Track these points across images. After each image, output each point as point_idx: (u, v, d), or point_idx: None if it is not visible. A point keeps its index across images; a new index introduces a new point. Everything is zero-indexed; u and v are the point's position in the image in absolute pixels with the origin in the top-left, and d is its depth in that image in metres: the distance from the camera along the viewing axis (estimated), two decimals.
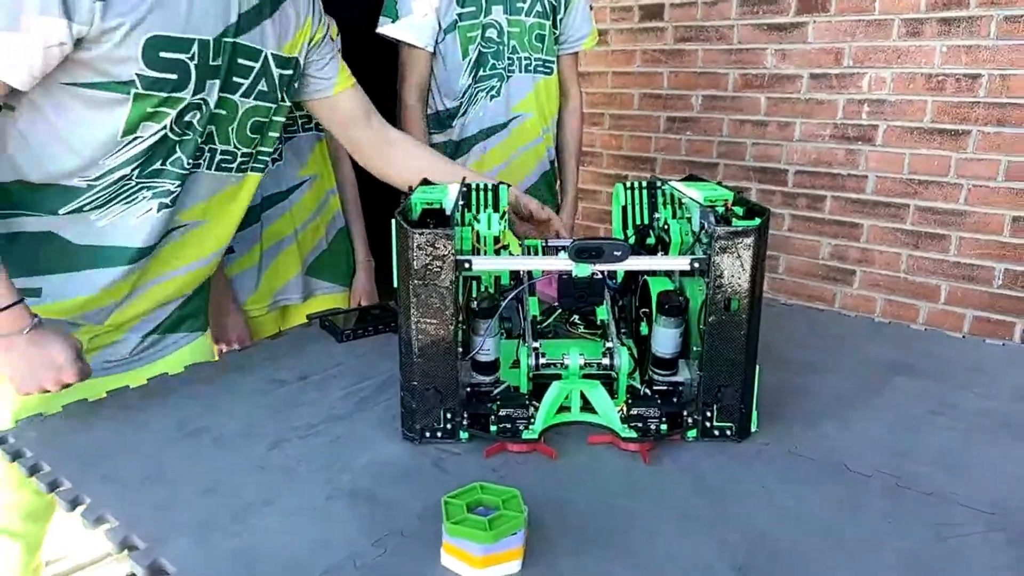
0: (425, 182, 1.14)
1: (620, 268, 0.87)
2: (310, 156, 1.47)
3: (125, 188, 1.03)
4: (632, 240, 1.15)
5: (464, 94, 1.68)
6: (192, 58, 0.99)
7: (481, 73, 1.67)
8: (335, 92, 1.26)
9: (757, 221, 0.86)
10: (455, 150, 1.72)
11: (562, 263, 0.87)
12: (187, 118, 1.03)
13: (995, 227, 2.11)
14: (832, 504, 0.80)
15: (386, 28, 1.63)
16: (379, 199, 1.77)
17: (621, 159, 2.94)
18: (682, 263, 0.88)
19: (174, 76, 0.97)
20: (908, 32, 2.16)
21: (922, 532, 0.75)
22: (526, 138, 1.77)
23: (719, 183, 1.10)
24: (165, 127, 1.00)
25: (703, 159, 2.68)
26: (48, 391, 0.98)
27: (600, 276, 0.87)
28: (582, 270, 0.87)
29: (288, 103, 1.20)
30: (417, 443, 0.91)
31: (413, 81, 1.64)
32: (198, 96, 1.02)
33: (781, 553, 0.71)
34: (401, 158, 1.30)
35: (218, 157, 1.12)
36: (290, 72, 1.17)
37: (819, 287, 2.48)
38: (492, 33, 1.65)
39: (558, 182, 1.93)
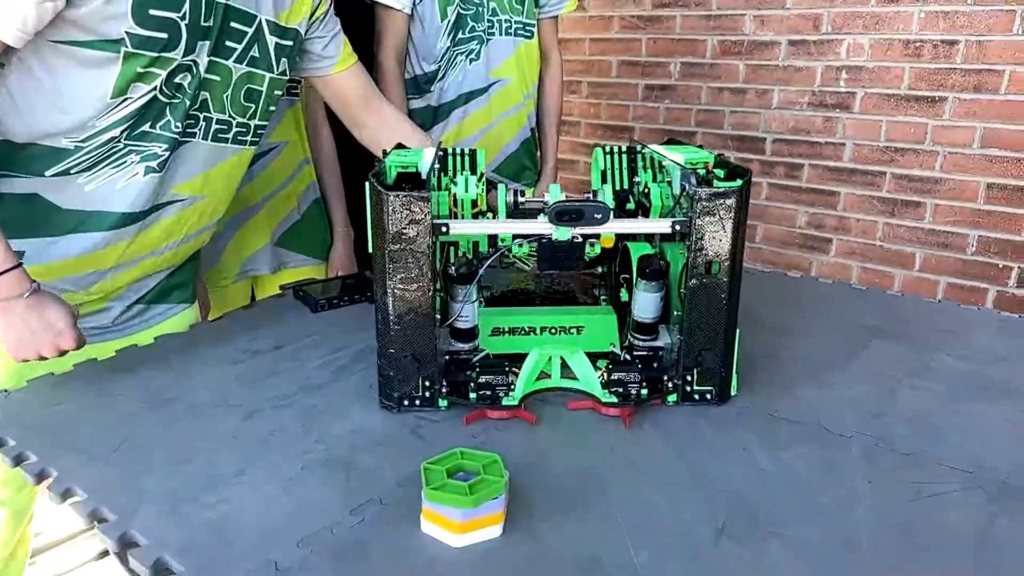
0: (400, 146, 1.11)
1: (601, 231, 0.85)
2: (279, 122, 1.42)
3: (113, 151, 1.01)
4: (612, 206, 1.13)
5: (442, 57, 1.64)
6: (183, 17, 0.96)
7: (460, 36, 1.63)
8: (335, 71, 1.26)
9: (738, 182, 0.85)
10: (434, 115, 1.69)
11: (541, 226, 0.85)
12: (177, 79, 1.01)
13: (970, 194, 2.12)
14: (812, 465, 0.80)
15: None
16: (360, 166, 1.73)
17: (599, 128, 2.91)
18: (663, 226, 0.87)
19: (164, 35, 0.95)
20: None
21: (900, 491, 0.75)
22: (506, 104, 1.74)
23: (699, 147, 1.09)
24: (155, 88, 0.98)
25: (681, 127, 2.66)
26: (45, 358, 0.96)
27: (580, 239, 0.85)
28: (562, 233, 0.85)
29: (285, 76, 1.18)
30: (395, 411, 0.90)
31: (390, 43, 1.60)
32: (188, 57, 1.00)
33: (761, 514, 0.71)
34: (397, 141, 1.28)
35: (214, 127, 1.10)
36: (288, 43, 1.15)
37: (796, 256, 2.49)
38: None
39: (538, 150, 1.90)
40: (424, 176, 0.92)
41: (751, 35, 2.43)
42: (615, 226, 0.85)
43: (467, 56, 1.66)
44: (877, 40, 2.18)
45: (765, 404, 0.93)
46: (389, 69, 1.61)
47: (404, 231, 0.83)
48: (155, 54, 0.95)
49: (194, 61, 1.01)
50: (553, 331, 1.02)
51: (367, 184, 0.84)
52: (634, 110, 2.78)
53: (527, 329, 1.01)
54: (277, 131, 1.43)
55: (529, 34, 1.73)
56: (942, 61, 2.09)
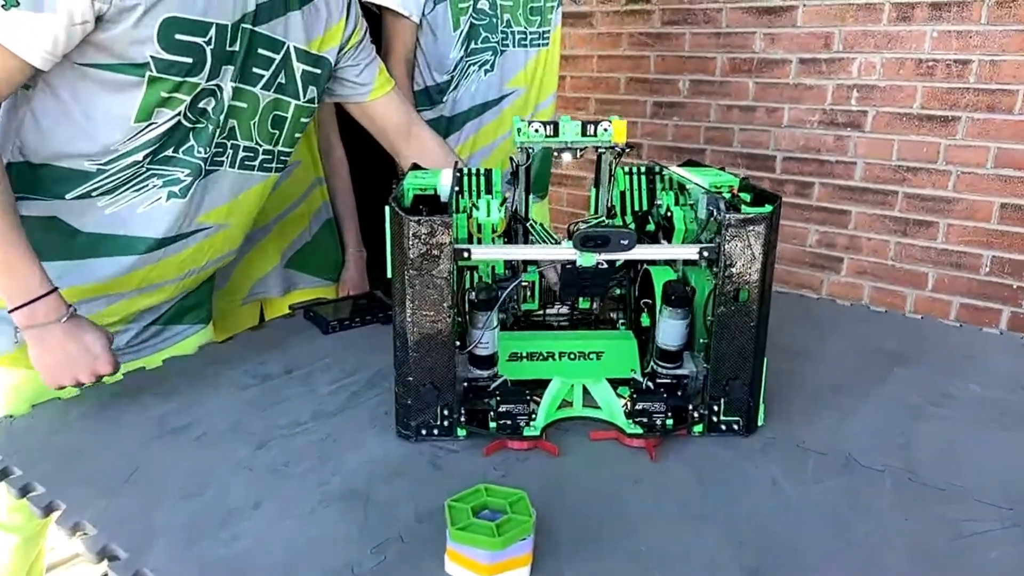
0: (415, 167, 1.09)
1: (627, 257, 0.83)
2: None
3: (136, 175, 1.00)
4: (632, 227, 1.11)
5: (455, 68, 1.62)
6: (209, 42, 0.95)
7: (473, 46, 1.62)
8: (371, 98, 1.24)
9: (768, 208, 0.83)
10: (447, 126, 1.67)
11: (566, 252, 0.83)
12: (201, 104, 1.00)
13: (984, 214, 2.11)
14: (844, 500, 0.77)
15: None
16: (374, 186, 1.71)
17: None
18: (690, 252, 0.85)
19: (189, 60, 0.94)
20: (898, 17, 2.14)
21: (938, 529, 0.72)
22: (520, 115, 1.72)
23: (722, 168, 1.07)
24: (179, 113, 0.97)
25: (690, 145, 2.65)
26: (82, 383, 0.95)
27: (604, 266, 0.83)
28: (587, 259, 0.83)
29: (314, 103, 1.16)
30: (413, 441, 0.87)
31: (401, 52, 1.59)
32: (212, 82, 0.99)
33: (793, 552, 0.69)
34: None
35: (241, 154, 1.09)
36: (318, 71, 1.13)
37: (806, 274, 2.47)
38: (484, 5, 1.60)
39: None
40: (443, 198, 0.90)
41: (761, 53, 2.42)
42: (642, 252, 0.83)
43: (480, 67, 1.64)
44: (889, 59, 2.17)
45: (791, 434, 0.90)
46: (399, 78, 1.59)
47: (425, 257, 0.80)
48: (179, 79, 0.94)
49: (218, 86, 1.00)
50: (572, 356, 0.99)
51: (387, 209, 0.82)
52: (642, 127, 2.77)
53: (545, 355, 0.99)
54: None
55: (545, 42, 1.72)
56: (955, 80, 2.07)
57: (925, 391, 1.02)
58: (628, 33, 2.73)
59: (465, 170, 1.10)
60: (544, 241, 1.04)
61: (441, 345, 0.84)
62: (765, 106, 2.45)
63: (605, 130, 0.90)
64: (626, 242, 0.80)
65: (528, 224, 1.01)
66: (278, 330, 1.25)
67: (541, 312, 1.05)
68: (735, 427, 0.89)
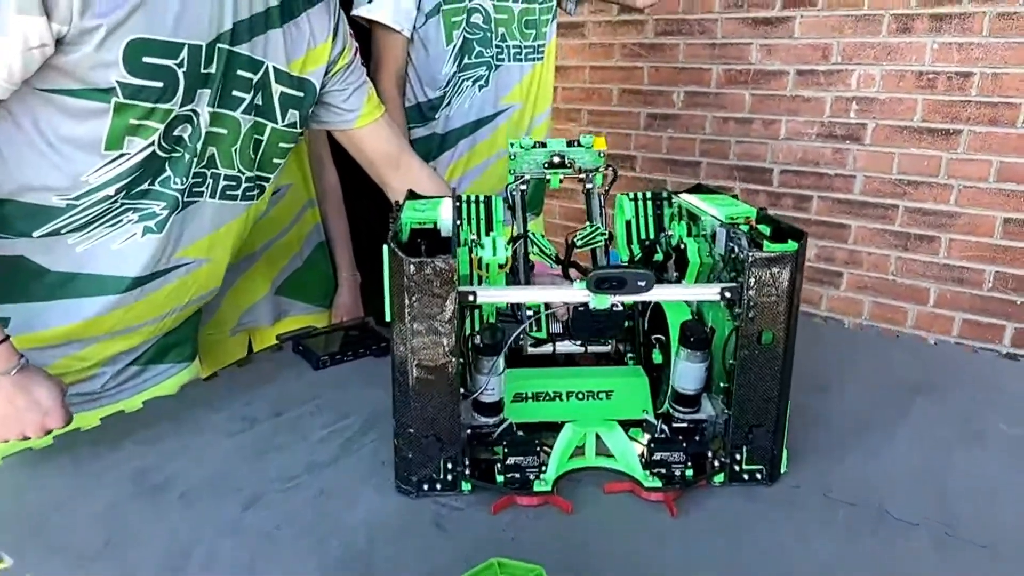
0: (411, 195, 1.03)
1: (644, 299, 0.77)
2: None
3: (108, 210, 0.92)
4: (639, 256, 1.06)
5: (448, 83, 1.57)
6: (180, 64, 0.87)
7: (466, 61, 1.56)
8: (358, 125, 1.17)
9: (794, 245, 0.77)
10: (440, 144, 1.61)
11: (579, 294, 0.77)
12: (176, 132, 0.93)
13: (986, 229, 2.07)
14: (882, 561, 0.72)
15: (362, 10, 1.50)
16: (366, 207, 1.64)
17: None
18: (711, 292, 0.79)
19: (159, 84, 0.86)
20: (898, 28, 2.10)
21: None
22: (515, 131, 1.67)
23: (734, 196, 1.02)
24: (153, 143, 0.90)
25: (685, 157, 2.61)
26: (28, 438, 0.88)
27: (620, 307, 0.77)
28: (600, 301, 0.77)
29: (295, 128, 1.09)
30: (414, 497, 0.81)
31: (392, 68, 1.53)
32: (187, 107, 0.91)
33: None
34: None
35: (222, 183, 1.02)
36: (300, 94, 1.06)
37: (805, 289, 2.42)
38: (477, 19, 1.54)
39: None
40: (445, 233, 0.85)
41: (757, 64, 2.38)
42: (660, 294, 0.78)
43: (474, 82, 1.59)
44: (889, 71, 2.14)
45: (817, 481, 0.85)
46: (389, 95, 1.54)
47: (426, 300, 0.74)
48: (150, 105, 0.87)
49: (194, 111, 0.92)
50: (580, 396, 0.93)
51: (384, 248, 0.75)
52: (636, 139, 2.72)
53: (552, 395, 0.93)
54: (279, 175, 1.34)
55: (540, 56, 1.67)
56: (956, 93, 2.04)
57: (954, 427, 0.97)
58: (621, 43, 2.68)
59: (464, 199, 1.04)
60: (548, 256, 0.98)
61: (444, 393, 0.78)
62: (762, 118, 2.41)
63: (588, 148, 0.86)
64: (643, 283, 0.75)
65: (529, 235, 0.96)
66: (265, 365, 1.18)
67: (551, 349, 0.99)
68: (758, 476, 0.83)
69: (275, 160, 1.09)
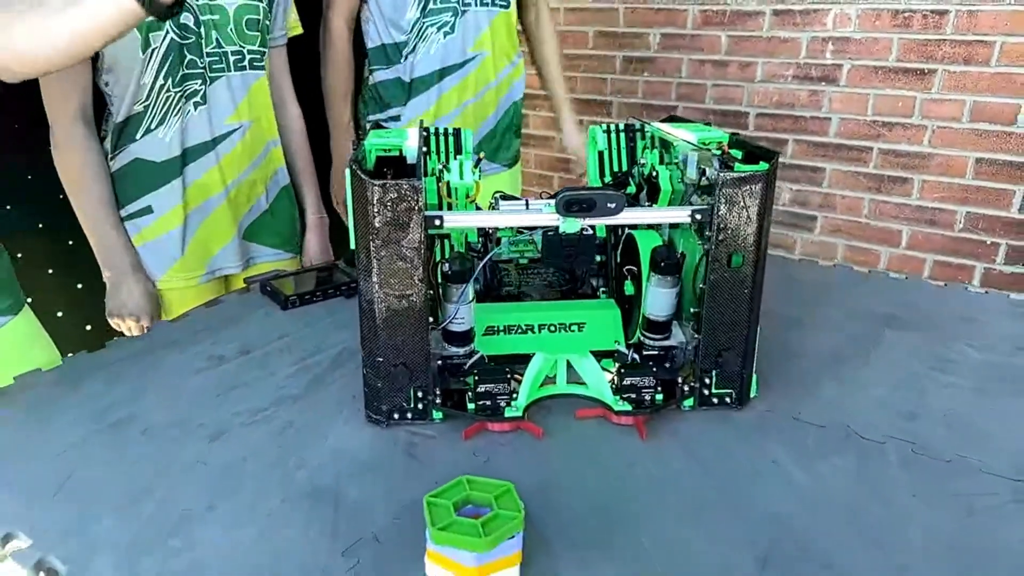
0: (377, 125, 1.00)
1: (614, 222, 0.76)
2: (243, 99, 1.28)
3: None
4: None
5: (412, 28, 1.52)
6: None
7: (431, 6, 1.51)
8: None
9: (764, 166, 0.76)
10: (408, 90, 1.57)
11: (548, 218, 0.76)
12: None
13: (958, 169, 2.08)
14: (849, 478, 0.73)
15: None
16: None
17: (575, 102, 2.78)
18: (682, 214, 0.78)
19: None
20: None
21: (950, 506, 0.68)
22: (483, 80, 1.62)
23: (707, 123, 1.00)
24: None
25: (661, 101, 2.58)
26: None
27: (590, 231, 0.76)
28: (570, 225, 0.76)
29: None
30: (384, 426, 0.80)
31: (344, 5, 1.50)
32: None
33: (805, 540, 0.64)
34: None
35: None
36: None
37: (780, 234, 2.44)
38: None
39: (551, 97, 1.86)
40: (411, 160, 0.82)
41: (734, 5, 2.34)
42: (630, 216, 0.76)
43: (440, 28, 1.54)
44: (865, 10, 2.11)
45: (787, 406, 0.85)
46: (339, 32, 1.51)
47: (392, 226, 0.72)
48: None
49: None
50: (552, 328, 0.92)
51: (347, 172, 0.73)
52: (612, 83, 2.68)
53: (524, 327, 0.92)
54: (238, 110, 1.29)
55: (505, 4, 1.62)
56: (932, 32, 2.02)
57: (923, 357, 0.98)
58: None
59: (432, 129, 1.01)
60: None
61: (413, 322, 0.76)
62: (738, 60, 2.38)
63: None
64: (613, 205, 0.73)
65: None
66: (232, 306, 1.16)
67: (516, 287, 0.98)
68: (728, 400, 0.83)
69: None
